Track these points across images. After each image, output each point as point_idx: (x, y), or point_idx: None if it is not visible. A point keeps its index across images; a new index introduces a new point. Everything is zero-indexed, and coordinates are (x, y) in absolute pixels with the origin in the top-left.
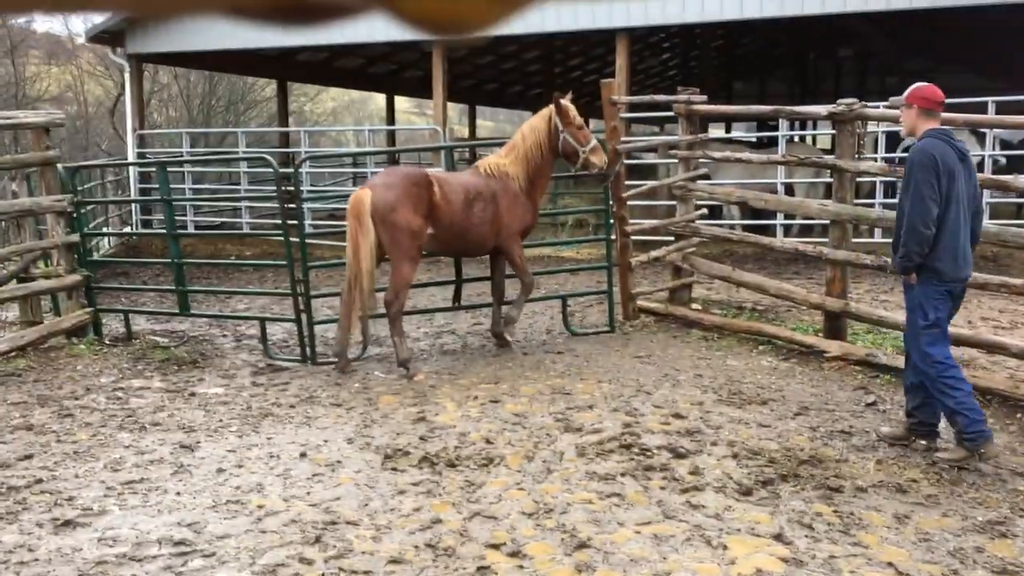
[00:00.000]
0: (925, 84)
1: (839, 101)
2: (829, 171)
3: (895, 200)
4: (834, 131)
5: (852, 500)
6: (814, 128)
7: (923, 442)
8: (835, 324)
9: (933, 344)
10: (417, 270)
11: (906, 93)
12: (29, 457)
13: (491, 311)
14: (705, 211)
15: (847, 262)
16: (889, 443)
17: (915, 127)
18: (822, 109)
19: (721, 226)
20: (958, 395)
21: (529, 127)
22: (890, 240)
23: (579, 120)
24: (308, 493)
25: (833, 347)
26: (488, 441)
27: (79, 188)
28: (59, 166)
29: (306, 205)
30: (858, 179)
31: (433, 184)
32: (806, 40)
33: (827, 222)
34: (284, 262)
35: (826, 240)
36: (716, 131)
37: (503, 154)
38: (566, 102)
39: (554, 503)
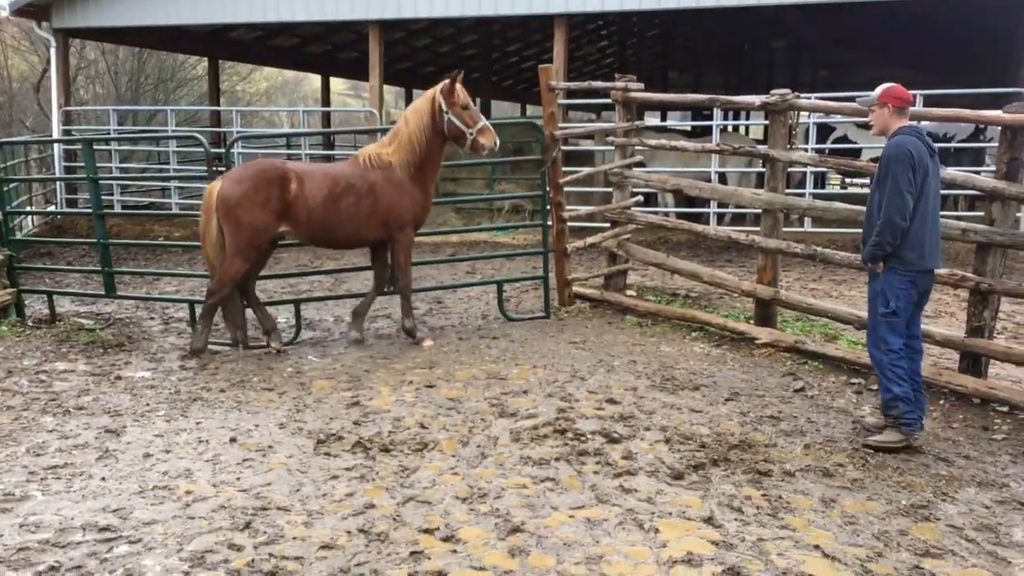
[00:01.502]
0: (893, 84)
1: (772, 92)
2: (761, 160)
3: (825, 191)
4: (767, 121)
5: (780, 484)
6: (747, 118)
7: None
8: (766, 311)
9: (891, 332)
10: (249, 266)
11: (878, 93)
12: None
13: (399, 299)
14: (640, 198)
15: (778, 250)
16: (874, 434)
17: (888, 125)
18: (756, 99)
19: (656, 213)
20: (904, 385)
21: (412, 110)
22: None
23: (465, 100)
24: (238, 478)
25: (763, 334)
26: (422, 426)
27: (1, 165)
28: None
29: None
30: (789, 169)
31: (290, 180)
32: (741, 31)
33: (759, 211)
34: None
35: (758, 228)
36: (651, 119)
37: (386, 142)
38: (457, 84)
39: (488, 488)
